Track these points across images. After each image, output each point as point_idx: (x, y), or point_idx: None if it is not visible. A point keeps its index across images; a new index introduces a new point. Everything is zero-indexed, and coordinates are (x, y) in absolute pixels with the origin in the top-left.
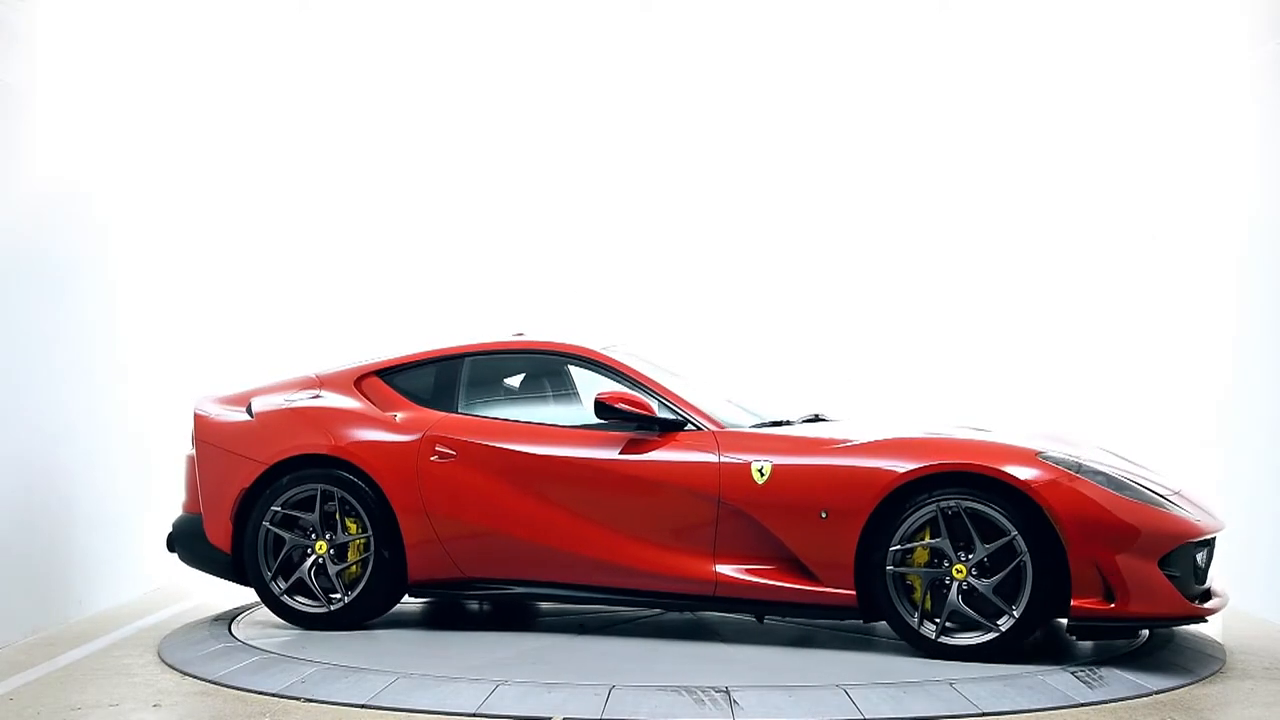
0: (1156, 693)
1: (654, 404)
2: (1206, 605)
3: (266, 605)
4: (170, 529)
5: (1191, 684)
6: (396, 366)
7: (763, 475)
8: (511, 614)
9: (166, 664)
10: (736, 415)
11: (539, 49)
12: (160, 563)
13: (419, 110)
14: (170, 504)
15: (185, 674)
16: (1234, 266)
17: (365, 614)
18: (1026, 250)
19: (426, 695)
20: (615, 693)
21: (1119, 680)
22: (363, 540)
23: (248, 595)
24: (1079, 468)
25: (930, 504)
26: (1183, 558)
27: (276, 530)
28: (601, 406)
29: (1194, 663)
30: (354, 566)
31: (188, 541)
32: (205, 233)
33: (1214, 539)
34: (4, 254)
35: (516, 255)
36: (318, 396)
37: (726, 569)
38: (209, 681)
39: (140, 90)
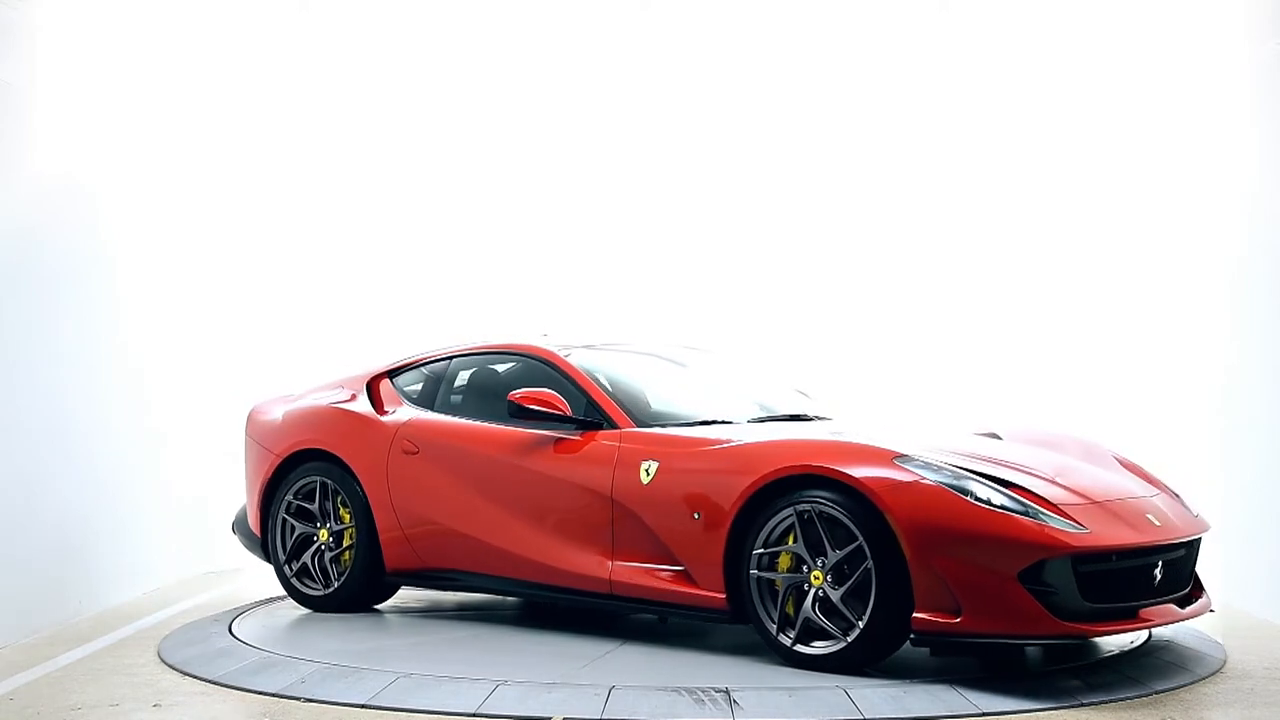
0: (1157, 693)
1: (582, 404)
2: (1112, 624)
3: (281, 585)
4: (234, 515)
5: (1191, 684)
6: (401, 368)
7: (648, 475)
8: (514, 613)
9: (166, 664)
10: (748, 410)
11: (543, 47)
12: (161, 563)
13: (425, 107)
14: (175, 504)
15: (185, 674)
16: (1233, 265)
17: (354, 598)
18: (1028, 250)
19: (426, 695)
20: (615, 693)
21: (1119, 680)
22: (354, 529)
23: (246, 595)
24: (935, 470)
25: (788, 507)
26: (1058, 572)
27: (290, 518)
28: (513, 406)
29: (1194, 663)
30: (346, 553)
31: (242, 527)
32: (211, 230)
33: (1159, 552)
34: (5, 252)
35: (541, 256)
36: (353, 397)
37: (621, 568)
38: (209, 681)
39: (142, 89)
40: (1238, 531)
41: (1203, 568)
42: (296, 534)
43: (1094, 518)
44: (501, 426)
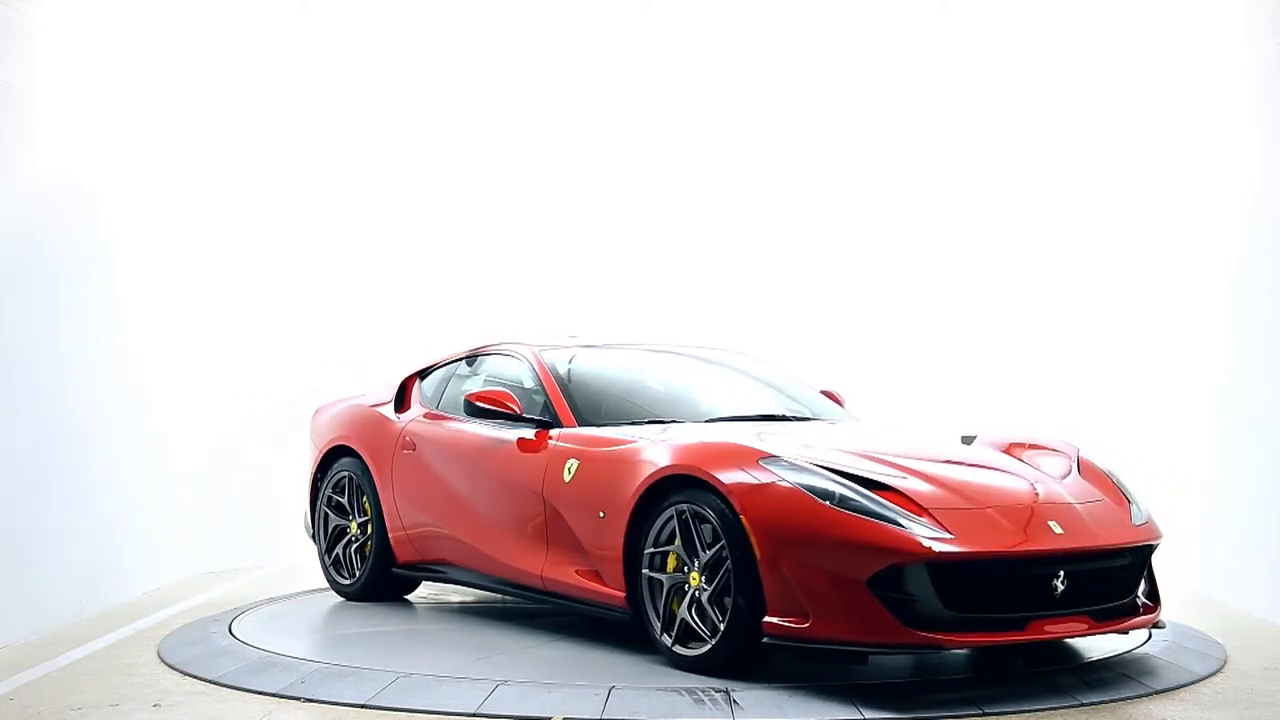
0: (1157, 693)
1: (540, 403)
2: (983, 635)
3: (323, 574)
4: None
5: (1191, 684)
6: (429, 369)
7: (570, 474)
8: (512, 614)
9: (166, 664)
10: (748, 409)
11: (555, 48)
12: (161, 563)
13: (425, 107)
14: (174, 504)
15: (185, 674)
16: (1233, 265)
17: (374, 590)
18: (1029, 251)
19: (426, 695)
20: (615, 693)
21: (1119, 680)
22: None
23: (246, 595)
24: (798, 472)
25: (670, 508)
26: (916, 580)
27: (329, 511)
28: (468, 405)
29: (1194, 663)
30: (368, 545)
31: (305, 519)
32: (211, 230)
33: (1059, 561)
34: (5, 252)
35: (583, 258)
36: (389, 399)
37: (552, 565)
38: (209, 681)
39: (142, 89)
40: (1238, 531)
41: (1202, 569)
42: (333, 526)
43: (973, 524)
44: (480, 426)
